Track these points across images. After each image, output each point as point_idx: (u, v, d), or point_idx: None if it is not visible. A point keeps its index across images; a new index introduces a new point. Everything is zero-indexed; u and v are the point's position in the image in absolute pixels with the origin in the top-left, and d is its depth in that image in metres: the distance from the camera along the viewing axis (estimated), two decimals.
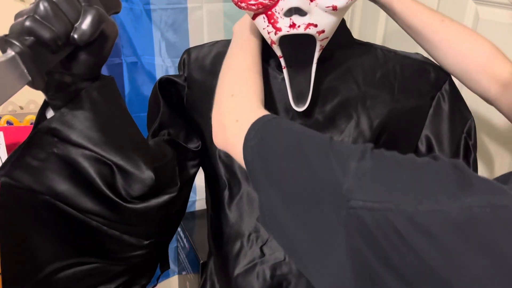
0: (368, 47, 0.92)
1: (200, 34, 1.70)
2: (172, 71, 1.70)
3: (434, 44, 0.84)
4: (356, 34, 1.54)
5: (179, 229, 1.85)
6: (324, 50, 0.78)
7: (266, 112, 0.65)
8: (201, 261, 1.56)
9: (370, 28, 1.49)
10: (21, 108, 1.73)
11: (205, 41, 1.01)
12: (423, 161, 0.47)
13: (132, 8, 1.64)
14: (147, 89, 1.73)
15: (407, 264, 0.42)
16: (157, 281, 0.99)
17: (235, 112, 0.69)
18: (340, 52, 0.88)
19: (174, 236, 1.92)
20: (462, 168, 0.44)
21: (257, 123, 0.62)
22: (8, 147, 1.50)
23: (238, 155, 0.64)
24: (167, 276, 1.97)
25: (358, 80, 0.87)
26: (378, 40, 1.49)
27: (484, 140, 1.22)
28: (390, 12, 0.87)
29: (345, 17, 0.87)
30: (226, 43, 0.96)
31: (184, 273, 1.88)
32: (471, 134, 0.91)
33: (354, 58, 0.89)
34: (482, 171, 1.24)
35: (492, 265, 0.39)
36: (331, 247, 0.49)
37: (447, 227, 0.40)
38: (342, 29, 0.83)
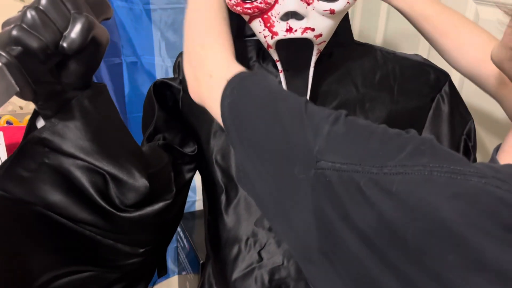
0: (367, 48, 0.91)
1: None
2: (172, 71, 1.70)
3: (444, 51, 0.83)
4: (356, 35, 1.53)
5: (179, 229, 1.85)
6: (322, 53, 0.78)
7: (240, 67, 0.64)
8: (201, 261, 1.56)
9: (370, 28, 1.48)
10: (21, 108, 1.72)
11: None
12: (394, 131, 0.49)
13: (132, 8, 1.63)
14: (147, 89, 1.73)
15: (368, 222, 0.44)
16: (154, 283, 0.98)
17: (208, 66, 0.67)
18: (338, 52, 0.87)
19: (174, 236, 1.92)
20: (431, 143, 0.46)
21: (234, 80, 0.61)
22: (8, 147, 1.50)
23: (214, 110, 0.64)
24: (167, 277, 1.97)
25: (356, 82, 0.86)
26: (378, 41, 1.48)
27: (483, 142, 1.21)
28: (404, 14, 0.86)
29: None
30: None
31: (184, 273, 1.88)
32: (470, 135, 0.90)
33: (353, 59, 0.88)
34: None
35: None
36: (299, 205, 0.51)
37: (405, 186, 0.42)
38: (343, 24, 0.82)
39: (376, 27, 1.47)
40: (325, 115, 0.52)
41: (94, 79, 1.82)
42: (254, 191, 0.60)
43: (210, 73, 0.66)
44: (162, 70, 1.72)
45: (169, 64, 1.68)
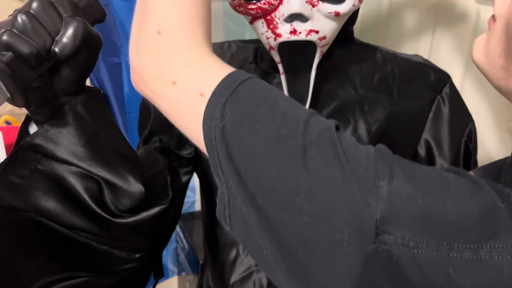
0: (367, 48, 0.90)
1: None
2: None
3: None
4: (356, 35, 1.52)
5: (178, 229, 1.84)
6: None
7: (227, 69, 0.48)
8: (201, 262, 1.55)
9: (371, 28, 1.47)
10: (20, 107, 1.72)
11: None
12: (463, 181, 0.40)
13: (131, 7, 1.62)
14: None
15: None
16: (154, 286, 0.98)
17: (168, 66, 0.49)
18: (338, 52, 0.86)
19: (174, 236, 1.92)
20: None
21: (222, 92, 0.45)
22: (7, 147, 1.49)
23: (183, 126, 0.49)
24: (167, 277, 1.97)
25: (355, 84, 0.85)
26: (378, 41, 1.47)
27: (484, 144, 1.21)
28: None
29: None
30: (217, 47, 0.94)
31: (183, 273, 1.88)
32: (471, 137, 0.90)
33: (352, 60, 0.87)
34: None
35: None
36: (332, 267, 0.41)
37: None
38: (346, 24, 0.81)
39: (376, 27, 1.46)
40: (370, 160, 0.41)
41: (94, 79, 1.83)
42: (253, 238, 0.46)
43: (172, 80, 0.48)
44: None
45: None
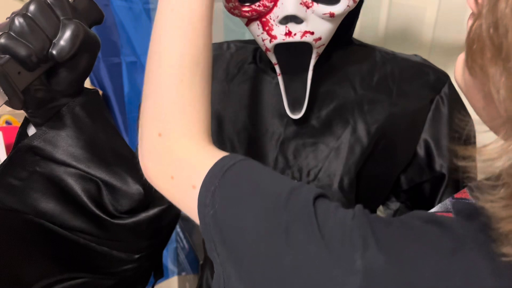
0: (366, 49, 0.90)
1: None
2: None
3: None
4: (356, 35, 1.51)
5: (178, 229, 1.85)
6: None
7: (218, 155, 0.51)
8: (201, 262, 1.56)
9: (370, 28, 1.47)
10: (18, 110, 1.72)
11: None
12: (438, 241, 0.40)
13: (131, 7, 1.63)
14: None
15: None
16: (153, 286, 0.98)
17: (167, 164, 0.53)
18: (337, 53, 0.86)
19: (174, 236, 1.92)
20: None
21: (211, 181, 0.48)
22: (7, 147, 1.50)
23: (191, 213, 0.51)
24: (167, 277, 1.97)
25: (355, 84, 0.86)
26: (378, 41, 1.47)
27: (483, 143, 1.20)
28: None
29: None
30: (216, 47, 0.94)
31: (183, 273, 1.88)
32: (470, 137, 0.89)
33: (351, 60, 0.87)
34: (481, 175, 1.22)
35: None
36: None
37: None
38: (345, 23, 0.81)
39: (376, 27, 1.46)
40: (346, 232, 0.42)
41: (94, 79, 1.83)
42: None
43: (171, 175, 0.52)
44: None
45: None
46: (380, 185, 0.93)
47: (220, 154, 0.51)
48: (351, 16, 0.77)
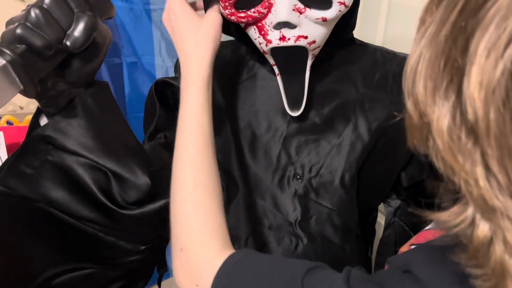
0: (367, 48, 0.92)
1: None
2: (172, 71, 1.70)
3: None
4: (356, 35, 1.52)
5: None
6: (322, 51, 0.78)
7: (222, 259, 0.58)
8: None
9: (370, 28, 1.48)
10: (21, 108, 1.72)
11: None
12: None
13: (132, 8, 1.63)
14: (147, 89, 1.72)
15: None
16: (159, 285, 0.98)
17: (191, 274, 0.60)
18: (338, 52, 0.87)
19: None
20: None
21: (220, 281, 0.56)
22: (8, 147, 1.50)
23: None
24: (168, 276, 1.97)
25: (356, 82, 0.87)
26: (378, 41, 1.48)
27: None
28: None
29: None
30: (221, 44, 0.95)
31: None
32: None
33: (352, 59, 0.88)
34: None
35: None
36: None
37: None
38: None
39: (376, 27, 1.47)
40: None
41: (95, 79, 1.83)
42: None
43: (196, 283, 0.59)
44: (162, 70, 1.73)
45: (169, 64, 1.69)
46: (381, 182, 0.94)
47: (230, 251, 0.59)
48: (349, 16, 0.78)
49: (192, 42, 0.70)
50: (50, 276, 0.73)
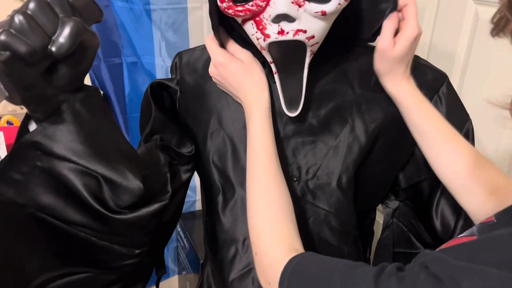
0: (364, 49, 0.91)
1: (200, 34, 1.69)
2: None
3: (428, 156, 0.81)
4: None
5: (179, 228, 1.85)
6: (318, 54, 0.77)
7: (287, 259, 0.64)
8: (201, 261, 1.56)
9: None
10: (22, 108, 1.73)
11: None
12: None
13: (132, 8, 1.63)
14: None
15: None
16: (157, 285, 0.98)
17: (265, 274, 0.69)
18: (336, 52, 0.86)
19: (174, 236, 1.93)
20: None
21: (281, 281, 0.62)
22: (8, 147, 1.50)
23: None
24: (167, 276, 1.98)
25: (353, 83, 0.86)
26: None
27: (482, 143, 1.21)
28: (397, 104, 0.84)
29: None
30: None
31: (184, 273, 1.88)
32: (468, 136, 0.90)
33: (349, 60, 0.88)
34: None
35: None
36: None
37: None
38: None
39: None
40: None
41: (95, 79, 1.83)
42: None
43: (269, 282, 0.67)
44: (162, 70, 1.73)
45: (169, 64, 1.68)
46: (379, 184, 0.94)
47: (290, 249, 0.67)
48: (348, 16, 0.78)
49: (250, 84, 0.80)
50: (45, 280, 0.73)
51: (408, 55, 0.78)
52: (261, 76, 0.81)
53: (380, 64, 0.80)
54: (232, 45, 0.82)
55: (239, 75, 0.80)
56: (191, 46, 1.64)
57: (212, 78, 0.85)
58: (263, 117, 0.78)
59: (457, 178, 0.76)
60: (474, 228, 0.57)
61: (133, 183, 0.71)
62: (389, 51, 0.78)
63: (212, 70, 0.84)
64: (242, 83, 0.80)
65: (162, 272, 0.94)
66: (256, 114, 0.78)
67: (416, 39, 0.78)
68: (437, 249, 0.55)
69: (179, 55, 0.95)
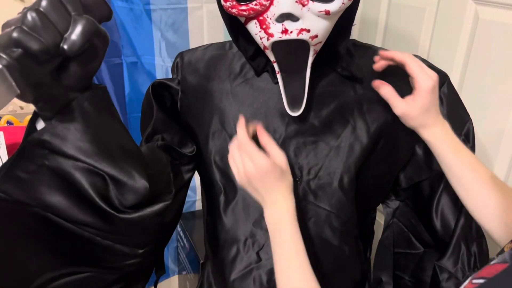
0: (366, 49, 0.91)
1: (200, 34, 1.69)
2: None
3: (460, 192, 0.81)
4: (356, 35, 1.53)
5: (179, 228, 1.85)
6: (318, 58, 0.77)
7: None
8: (201, 261, 1.56)
9: (370, 29, 1.48)
10: (22, 108, 1.73)
11: (205, 42, 1.00)
12: None
13: (132, 8, 1.63)
14: None
15: None
16: (155, 286, 0.99)
17: None
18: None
19: (174, 236, 1.92)
20: None
21: None
22: (9, 147, 1.50)
23: None
24: (167, 276, 1.98)
25: (355, 84, 0.86)
26: (377, 41, 1.48)
27: (482, 143, 1.21)
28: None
29: None
30: (219, 46, 0.95)
31: (184, 273, 1.88)
32: (469, 136, 0.90)
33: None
34: None
35: None
36: None
37: None
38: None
39: (375, 28, 1.47)
40: None
41: (95, 79, 1.83)
42: None
43: None
44: (162, 70, 1.73)
45: (169, 64, 1.69)
46: (380, 184, 0.94)
47: None
48: (347, 16, 0.78)
49: (283, 189, 0.77)
50: (47, 280, 0.73)
51: (432, 104, 0.78)
52: (291, 178, 0.79)
53: (410, 124, 0.81)
54: (271, 145, 0.78)
55: (277, 182, 0.76)
56: (191, 46, 1.64)
57: (236, 175, 0.80)
58: (292, 220, 0.76)
59: (492, 220, 0.76)
60: (506, 255, 0.56)
61: (139, 182, 0.71)
62: (410, 113, 0.79)
63: (242, 181, 0.79)
64: (275, 188, 0.77)
65: (161, 272, 0.94)
66: (286, 220, 0.76)
67: (434, 89, 0.78)
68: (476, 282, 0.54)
69: (181, 55, 0.95)
